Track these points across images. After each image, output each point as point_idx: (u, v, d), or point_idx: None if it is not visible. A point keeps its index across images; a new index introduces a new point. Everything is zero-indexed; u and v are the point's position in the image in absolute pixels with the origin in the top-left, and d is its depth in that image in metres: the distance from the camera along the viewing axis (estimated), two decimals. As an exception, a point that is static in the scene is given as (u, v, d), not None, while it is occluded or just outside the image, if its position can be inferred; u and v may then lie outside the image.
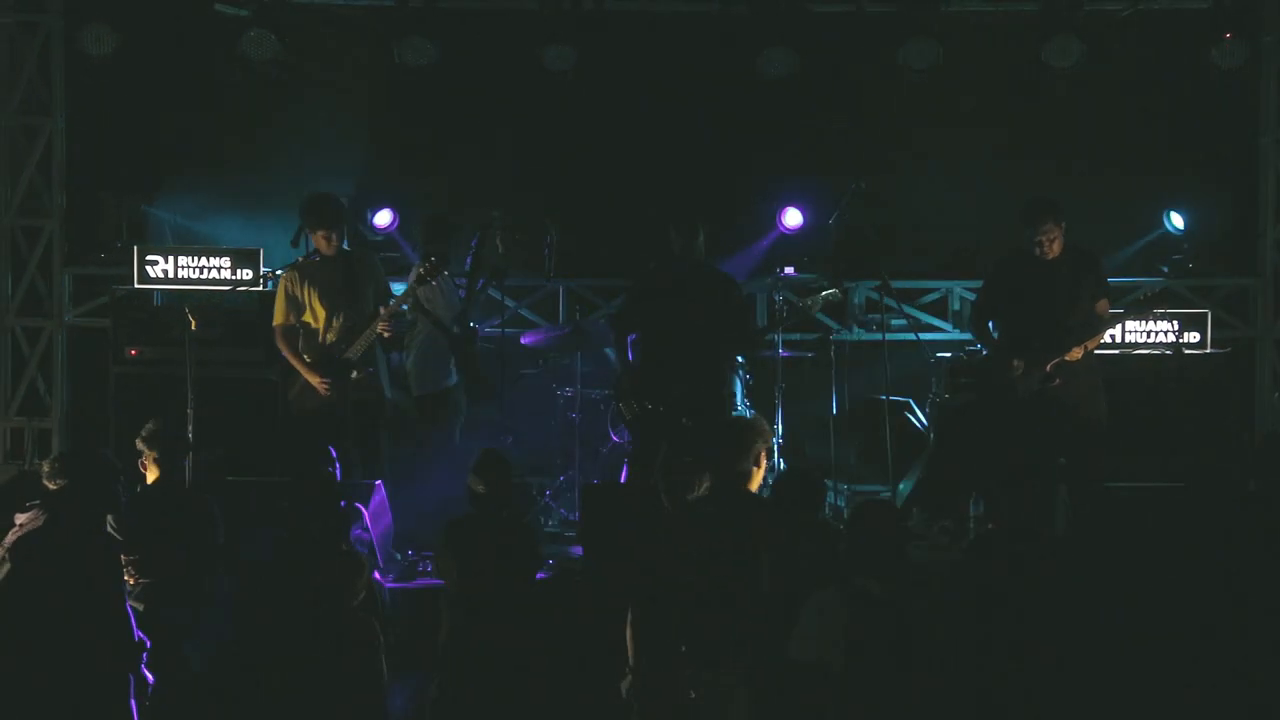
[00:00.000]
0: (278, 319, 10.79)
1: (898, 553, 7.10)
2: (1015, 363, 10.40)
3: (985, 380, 10.88)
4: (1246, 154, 13.35)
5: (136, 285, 12.32)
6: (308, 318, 10.73)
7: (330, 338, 10.66)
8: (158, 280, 12.32)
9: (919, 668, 6.78)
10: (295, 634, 7.19)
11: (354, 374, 10.54)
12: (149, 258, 12.35)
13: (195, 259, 12.37)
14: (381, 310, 10.58)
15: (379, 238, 13.10)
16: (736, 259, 12.90)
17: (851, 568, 7.02)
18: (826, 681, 6.71)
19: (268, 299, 11.38)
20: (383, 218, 13.12)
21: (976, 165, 13.22)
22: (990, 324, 10.80)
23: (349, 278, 10.70)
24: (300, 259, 10.87)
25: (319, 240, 10.69)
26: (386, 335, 10.66)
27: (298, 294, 10.73)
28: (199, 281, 12.30)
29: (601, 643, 8.16)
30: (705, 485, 8.22)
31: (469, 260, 11.85)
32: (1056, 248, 10.42)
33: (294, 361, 10.67)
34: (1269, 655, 7.72)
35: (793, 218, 13.12)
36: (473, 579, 8.16)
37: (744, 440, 8.19)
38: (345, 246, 10.91)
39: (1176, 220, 13.15)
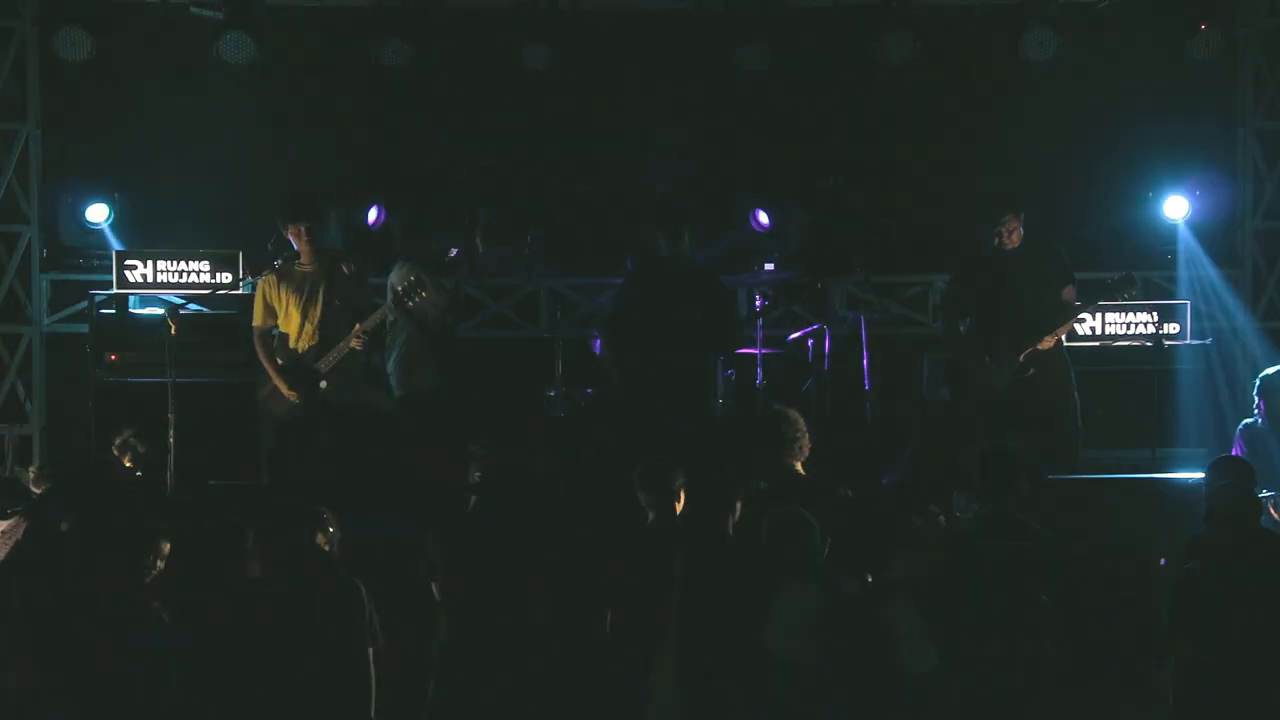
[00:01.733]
0: (255, 321, 10.88)
1: (877, 553, 7.11)
2: (990, 355, 10.49)
3: (960, 376, 10.95)
4: (1224, 145, 13.35)
5: (115, 290, 12.27)
6: (282, 322, 10.73)
7: (303, 344, 10.67)
8: (137, 285, 12.28)
9: (893, 667, 6.78)
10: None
11: (323, 385, 10.54)
12: (128, 262, 12.30)
13: (174, 263, 12.33)
14: (356, 326, 10.57)
15: (368, 234, 13.03)
16: (707, 251, 12.86)
17: (832, 566, 7.04)
18: (798, 676, 6.74)
19: (247, 302, 11.36)
20: (370, 215, 13.08)
21: (954, 159, 13.23)
22: (961, 323, 10.89)
23: (328, 282, 10.68)
24: (279, 262, 10.85)
25: (294, 237, 10.68)
26: (359, 349, 10.66)
27: (274, 298, 10.75)
28: (178, 285, 12.26)
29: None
30: (680, 484, 8.21)
31: (452, 253, 11.81)
32: (1015, 239, 10.65)
33: (267, 366, 10.70)
34: (1247, 649, 7.73)
35: (765, 216, 13.09)
36: (470, 582, 8.15)
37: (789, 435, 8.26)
38: (335, 244, 10.90)
39: (1172, 209, 13.11)
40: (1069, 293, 10.71)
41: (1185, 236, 13.09)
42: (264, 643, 7.26)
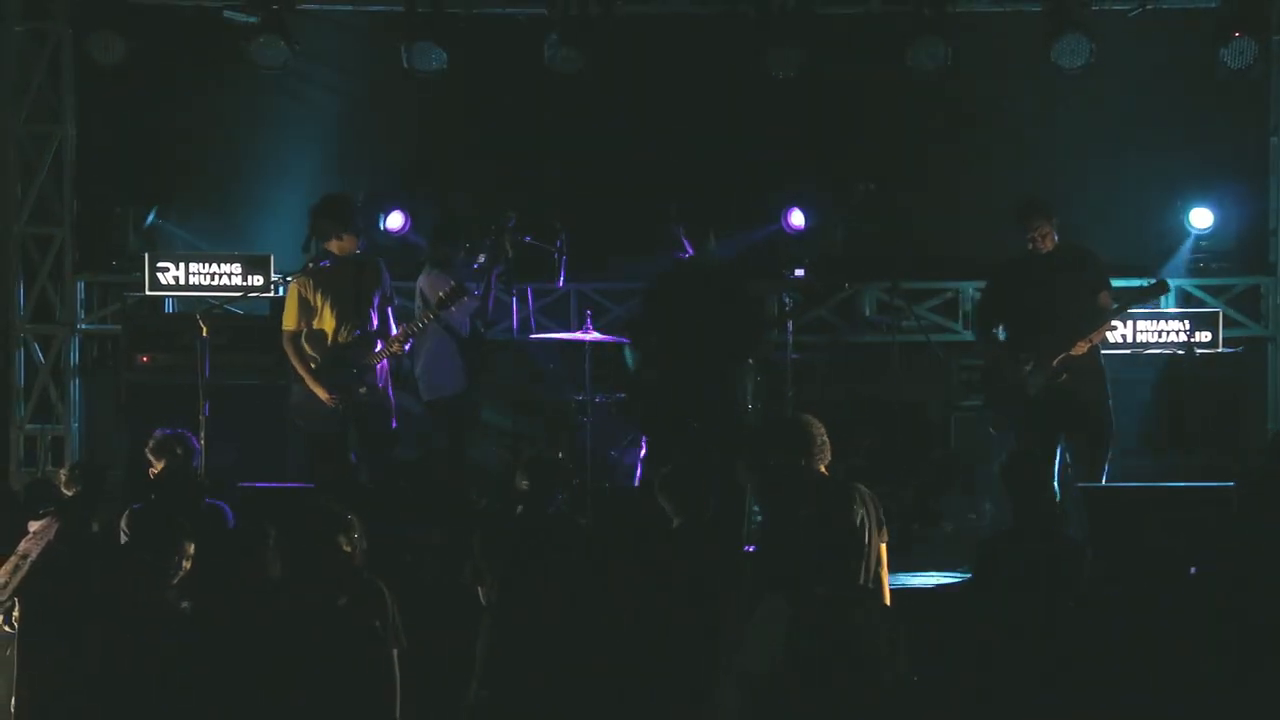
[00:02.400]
0: (288, 324, 10.71)
1: (846, 561, 7.13)
2: (1024, 361, 10.46)
3: (994, 381, 10.92)
4: (1257, 153, 13.31)
5: (148, 292, 12.33)
6: (318, 323, 10.70)
7: (341, 341, 10.66)
8: (169, 287, 12.35)
9: (865, 675, 6.78)
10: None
11: (362, 390, 10.52)
12: (160, 265, 12.37)
13: (206, 265, 12.39)
14: (401, 331, 10.57)
15: (391, 241, 13.10)
16: (727, 244, 12.84)
17: (804, 575, 7.04)
18: (776, 691, 6.73)
19: (278, 305, 11.38)
20: (394, 220, 13.15)
21: (985, 165, 13.22)
22: (995, 328, 10.86)
23: (359, 285, 10.69)
24: (310, 264, 10.86)
25: (341, 243, 10.66)
26: (400, 354, 10.68)
27: (311, 299, 10.68)
28: (210, 288, 12.31)
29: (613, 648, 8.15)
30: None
31: (479, 261, 11.83)
32: (1049, 244, 10.60)
33: (301, 370, 10.63)
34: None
35: (798, 217, 13.10)
36: (514, 584, 8.15)
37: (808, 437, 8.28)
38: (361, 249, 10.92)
39: (1199, 220, 13.10)
40: (1104, 299, 10.66)
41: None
42: (285, 643, 7.27)
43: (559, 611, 8.01)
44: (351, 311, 10.62)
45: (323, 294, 10.64)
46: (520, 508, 8.50)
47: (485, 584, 8.25)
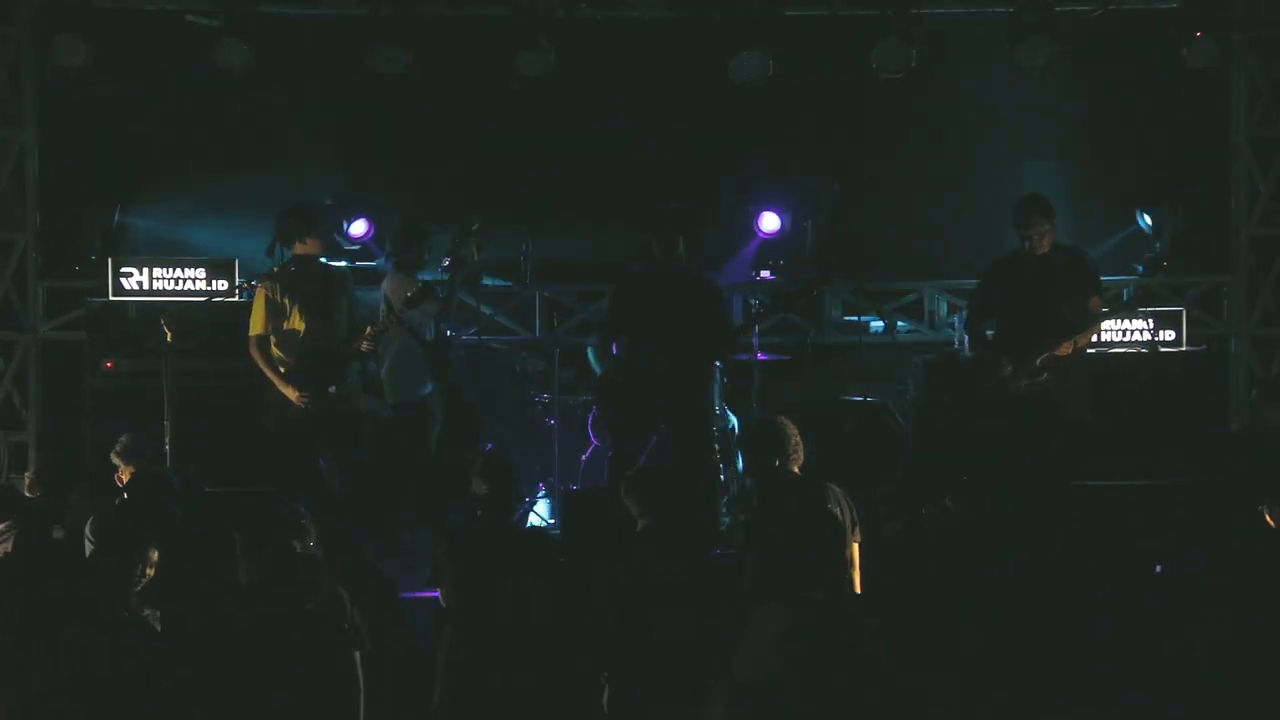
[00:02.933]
0: (255, 329, 10.64)
1: (838, 563, 7.12)
2: (1004, 364, 10.45)
3: (972, 379, 10.93)
4: (1219, 152, 13.38)
5: (111, 297, 12.28)
6: (288, 325, 10.66)
7: (306, 347, 10.63)
8: (132, 292, 12.26)
9: (860, 679, 6.76)
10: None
11: (331, 389, 10.50)
12: (123, 270, 12.29)
13: (170, 270, 12.32)
14: (368, 330, 10.55)
15: (354, 246, 13.09)
16: (725, 271, 12.86)
17: (796, 580, 7.02)
18: (772, 699, 6.71)
19: (243, 309, 11.33)
20: (358, 227, 13.13)
21: (949, 167, 13.26)
22: (985, 326, 10.87)
23: (327, 287, 10.67)
24: (276, 268, 10.84)
25: (305, 246, 10.65)
26: (365, 350, 10.63)
27: (278, 301, 10.64)
28: (174, 293, 12.26)
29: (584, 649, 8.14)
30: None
31: (443, 265, 11.82)
32: (1046, 244, 10.52)
33: (270, 374, 10.59)
34: (1252, 651, 7.74)
35: (770, 222, 13.13)
36: (477, 588, 8.13)
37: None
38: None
39: (1148, 219, 13.21)
40: (1095, 303, 10.64)
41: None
42: (252, 648, 7.24)
43: (519, 616, 7.99)
44: (319, 313, 10.58)
45: (290, 296, 10.61)
46: (479, 512, 8.51)
47: (446, 588, 8.25)
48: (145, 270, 12.31)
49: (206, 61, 12.43)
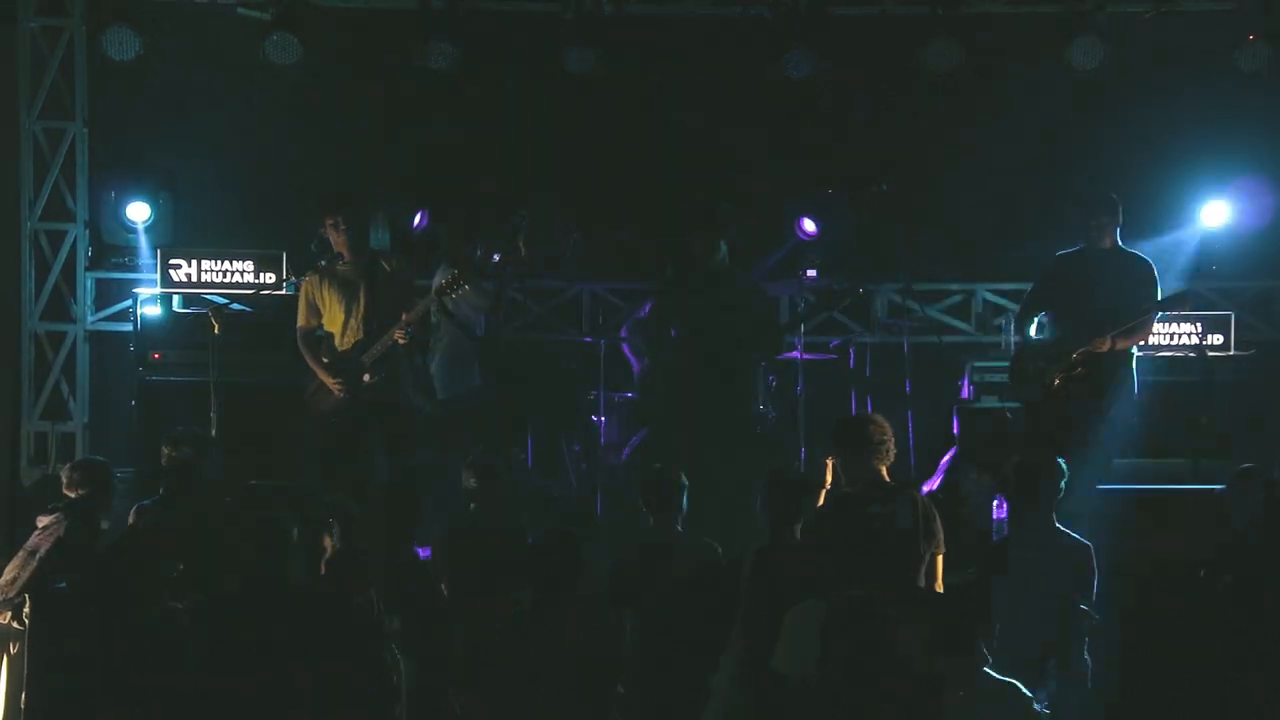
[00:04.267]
0: (300, 321, 10.92)
1: (877, 559, 7.08)
2: (1041, 355, 10.44)
3: (1015, 372, 10.92)
4: (1270, 155, 13.26)
5: (160, 289, 12.32)
6: (327, 321, 10.76)
7: (348, 341, 10.70)
8: (181, 284, 12.32)
9: (896, 676, 6.74)
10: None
11: (366, 377, 10.55)
12: (172, 261, 12.35)
13: (218, 263, 12.37)
14: (403, 317, 10.58)
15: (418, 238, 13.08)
16: (760, 268, 12.81)
17: (834, 577, 7.01)
18: (807, 693, 6.70)
19: (290, 303, 11.41)
20: (415, 219, 13.10)
21: (999, 167, 13.19)
22: (1034, 318, 10.85)
23: (370, 281, 10.71)
24: (323, 262, 10.91)
25: (331, 231, 10.74)
26: (402, 342, 10.65)
27: (317, 297, 10.79)
28: (222, 285, 12.31)
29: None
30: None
31: (495, 259, 11.84)
32: (1107, 241, 10.56)
33: (312, 364, 10.73)
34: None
35: (811, 224, 13.05)
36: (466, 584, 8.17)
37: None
38: (381, 246, 10.94)
39: (1211, 217, 13.04)
40: (1145, 308, 10.60)
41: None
42: (291, 643, 7.28)
43: (514, 613, 7.95)
44: (358, 306, 10.66)
45: (330, 290, 10.74)
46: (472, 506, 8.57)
47: (443, 583, 8.33)
48: (194, 262, 12.36)
49: (257, 54, 12.48)
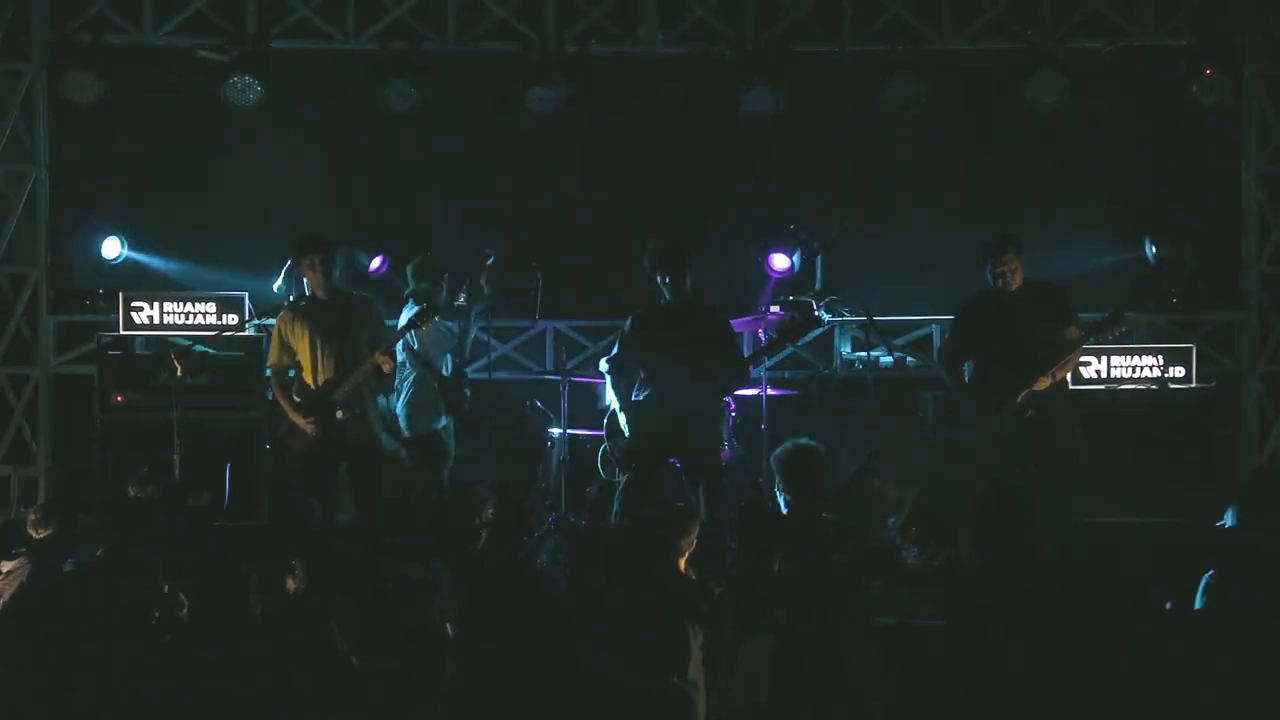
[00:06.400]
0: (271, 360, 10.90)
1: (825, 587, 7.12)
2: (988, 406, 10.46)
3: (965, 420, 10.94)
4: (1230, 189, 13.36)
5: (122, 332, 12.29)
6: (301, 358, 10.75)
7: (319, 378, 10.68)
8: (143, 326, 12.29)
9: (844, 703, 6.76)
10: None
11: (339, 414, 10.55)
12: (134, 304, 12.32)
13: (181, 305, 12.34)
14: (374, 356, 10.57)
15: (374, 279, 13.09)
16: (744, 319, 12.78)
17: (781, 606, 7.04)
18: None
19: (253, 344, 11.41)
20: (373, 262, 13.11)
21: (960, 201, 13.26)
22: (965, 366, 10.85)
23: (344, 319, 10.71)
24: (291, 300, 10.93)
25: (306, 272, 10.76)
26: (387, 369, 10.65)
27: (290, 335, 10.77)
28: (185, 328, 12.27)
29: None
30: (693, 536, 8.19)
31: (461, 298, 11.86)
32: (1017, 279, 10.63)
33: (284, 404, 10.71)
34: (1250, 688, 7.72)
35: (781, 261, 13.06)
36: (482, 615, 8.14)
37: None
38: (342, 286, 10.96)
39: (1156, 248, 13.18)
40: (1073, 331, 10.66)
41: None
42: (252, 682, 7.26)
43: (520, 644, 7.94)
44: (331, 347, 10.65)
45: (302, 328, 10.73)
46: (484, 536, 8.56)
47: (452, 619, 8.28)
48: (156, 305, 12.33)
49: (218, 97, 12.49)
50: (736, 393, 11.67)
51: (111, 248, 12.92)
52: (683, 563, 8.08)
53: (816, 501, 8.43)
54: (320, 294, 10.83)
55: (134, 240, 13.13)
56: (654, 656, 7.70)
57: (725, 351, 10.81)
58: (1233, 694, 7.74)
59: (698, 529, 8.15)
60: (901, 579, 9.33)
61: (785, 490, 8.46)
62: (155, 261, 13.29)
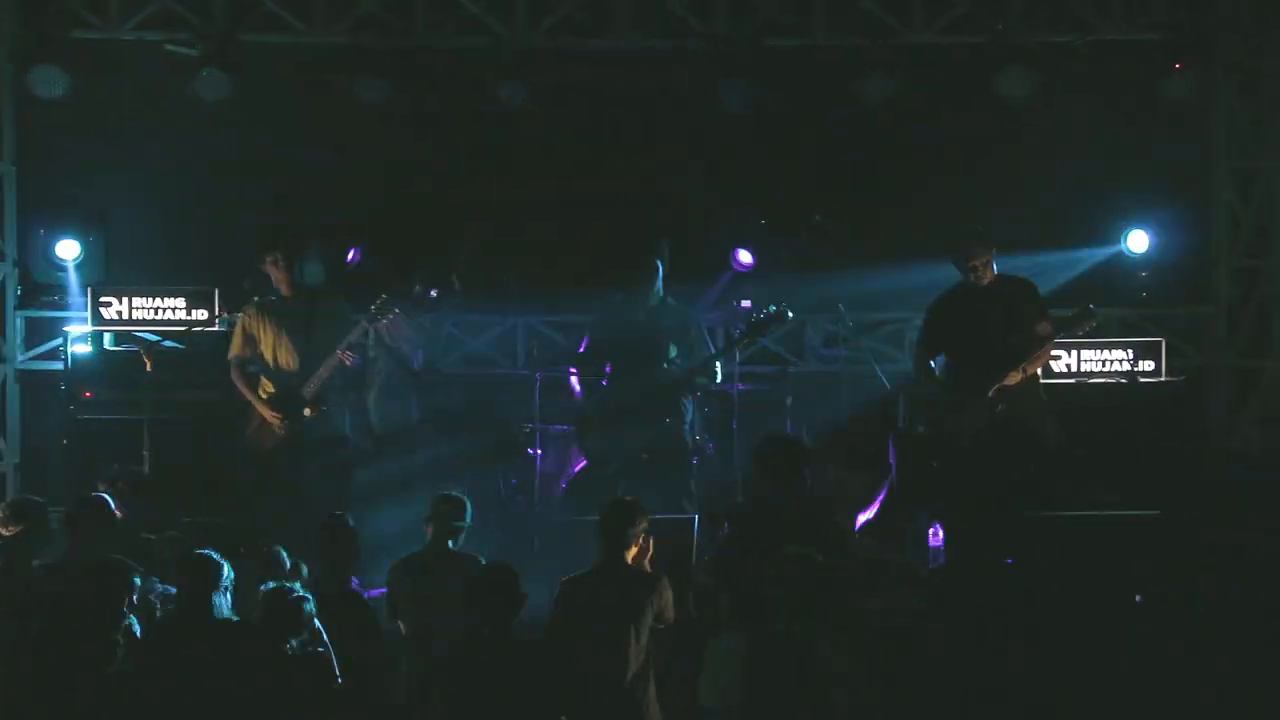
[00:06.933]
0: (233, 351, 10.90)
1: (804, 592, 7.12)
2: (958, 403, 10.48)
3: (933, 415, 10.95)
4: (1199, 184, 13.40)
5: (90, 327, 12.23)
6: (265, 354, 10.73)
7: (286, 376, 10.66)
8: (112, 322, 12.23)
9: (820, 705, 6.76)
10: None
11: (307, 410, 10.53)
12: (103, 299, 12.26)
13: (150, 300, 12.29)
14: (339, 353, 10.56)
15: (351, 273, 13.04)
16: (697, 303, 12.81)
17: (758, 608, 7.04)
18: None
19: (223, 339, 11.36)
20: (348, 255, 13.06)
21: (932, 196, 13.26)
22: (933, 362, 10.86)
23: (309, 316, 10.70)
24: (257, 297, 10.90)
25: (269, 269, 10.73)
26: (349, 364, 10.61)
27: (255, 330, 10.77)
28: (154, 323, 12.22)
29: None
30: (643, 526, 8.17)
31: (431, 294, 11.84)
32: (988, 275, 10.59)
33: (247, 395, 10.69)
34: (1224, 676, 7.77)
35: (746, 255, 13.07)
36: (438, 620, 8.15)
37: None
38: (307, 282, 10.93)
39: (1135, 243, 13.18)
40: (1044, 328, 10.66)
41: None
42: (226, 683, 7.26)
43: (464, 643, 7.90)
44: (297, 342, 10.64)
45: (268, 324, 10.71)
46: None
47: (398, 617, 8.38)
48: (125, 300, 12.26)
49: (186, 91, 12.44)
50: (707, 384, 11.64)
51: (67, 249, 12.77)
52: (630, 555, 8.07)
53: (803, 494, 8.44)
54: (284, 290, 10.80)
55: (101, 236, 13.03)
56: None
57: (693, 345, 10.87)
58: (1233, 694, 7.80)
59: (645, 521, 8.14)
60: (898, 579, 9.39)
61: (769, 481, 8.47)
62: (123, 255, 13.23)
